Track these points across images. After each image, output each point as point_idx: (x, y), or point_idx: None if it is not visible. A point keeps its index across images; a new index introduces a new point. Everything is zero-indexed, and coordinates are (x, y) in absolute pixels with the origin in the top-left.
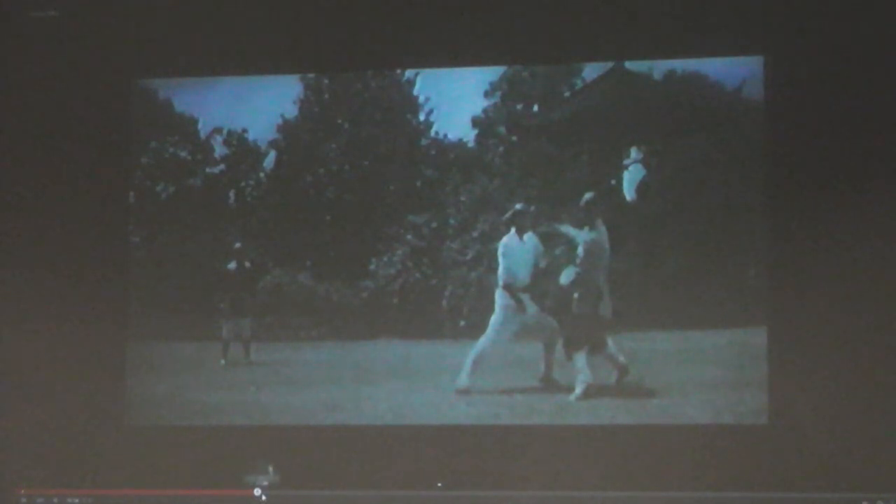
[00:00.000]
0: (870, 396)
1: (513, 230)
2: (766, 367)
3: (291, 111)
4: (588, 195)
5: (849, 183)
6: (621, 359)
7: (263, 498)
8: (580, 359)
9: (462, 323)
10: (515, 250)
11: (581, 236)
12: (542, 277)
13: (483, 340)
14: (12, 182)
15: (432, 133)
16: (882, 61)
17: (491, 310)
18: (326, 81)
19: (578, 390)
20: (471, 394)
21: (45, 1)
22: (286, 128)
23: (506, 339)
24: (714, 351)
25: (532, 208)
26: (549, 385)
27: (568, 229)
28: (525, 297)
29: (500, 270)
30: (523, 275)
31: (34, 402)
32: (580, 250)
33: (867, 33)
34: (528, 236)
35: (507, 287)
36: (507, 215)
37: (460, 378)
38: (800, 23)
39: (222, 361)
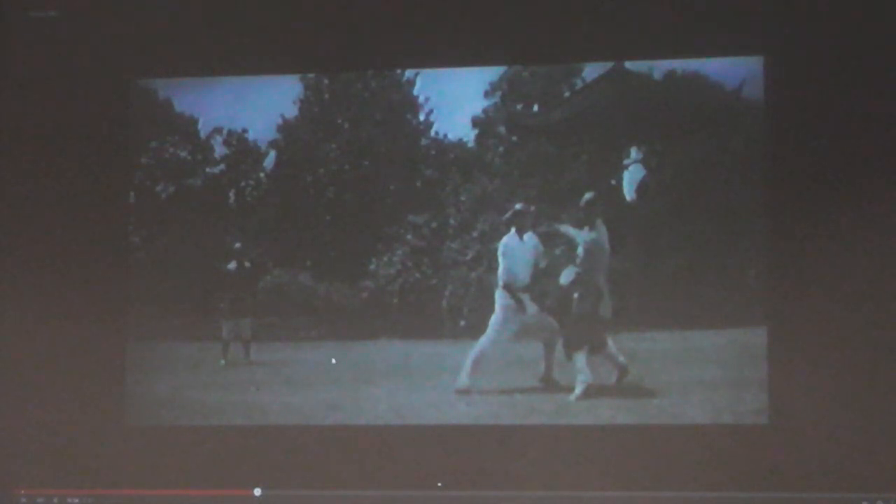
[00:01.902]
0: (870, 396)
1: (513, 230)
2: (766, 367)
3: (291, 111)
4: (588, 195)
5: (849, 183)
6: (621, 359)
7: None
8: (580, 359)
9: (462, 323)
10: (515, 250)
11: (581, 236)
12: (542, 277)
13: (483, 340)
14: (12, 182)
15: (432, 133)
16: (882, 61)
17: (491, 310)
18: (326, 81)
19: (578, 390)
20: (471, 394)
21: (45, 1)
22: (286, 128)
23: (506, 339)
24: (714, 351)
25: (532, 208)
26: (549, 385)
27: (568, 229)
28: (525, 297)
29: (500, 270)
30: (523, 275)
31: (34, 402)
32: (580, 250)
33: (867, 33)
34: (528, 236)
35: (507, 287)
36: (507, 215)
37: (460, 378)
38: (800, 23)
39: (222, 361)
